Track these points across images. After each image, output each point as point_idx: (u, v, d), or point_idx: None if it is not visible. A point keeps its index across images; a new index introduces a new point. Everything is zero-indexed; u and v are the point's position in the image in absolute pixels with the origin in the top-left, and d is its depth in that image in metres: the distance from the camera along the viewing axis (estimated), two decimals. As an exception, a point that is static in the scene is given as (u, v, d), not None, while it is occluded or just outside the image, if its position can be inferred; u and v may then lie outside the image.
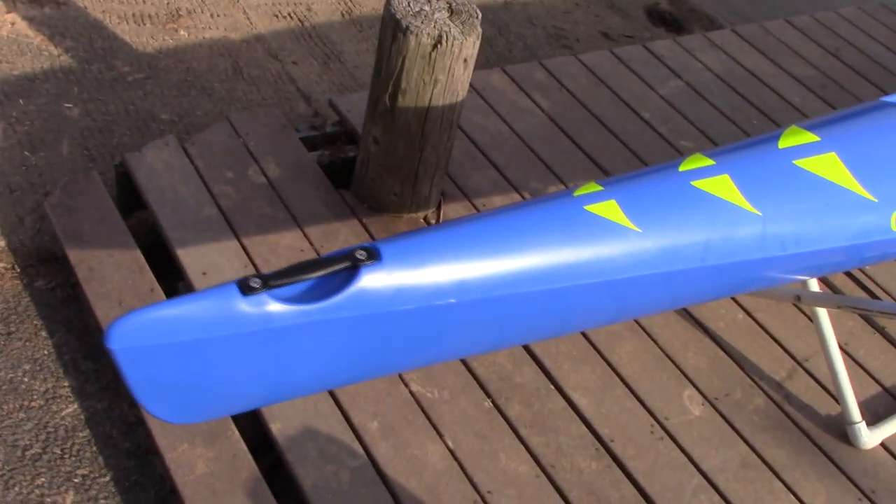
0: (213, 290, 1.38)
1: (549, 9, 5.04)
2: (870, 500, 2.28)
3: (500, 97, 3.28)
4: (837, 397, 2.39)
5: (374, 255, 1.48)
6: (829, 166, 1.95)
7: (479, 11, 2.40)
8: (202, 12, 3.90)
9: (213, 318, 1.39)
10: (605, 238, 1.69)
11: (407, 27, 2.30)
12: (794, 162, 1.92)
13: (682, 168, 1.84)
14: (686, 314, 2.64)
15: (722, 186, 1.82)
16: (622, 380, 2.41)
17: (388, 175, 2.60)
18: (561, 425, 2.26)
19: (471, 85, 3.24)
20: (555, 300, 1.67)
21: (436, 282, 1.54)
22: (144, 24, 3.69)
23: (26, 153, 2.91)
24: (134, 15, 3.73)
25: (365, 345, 1.55)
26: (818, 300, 2.34)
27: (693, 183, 1.81)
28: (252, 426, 2.15)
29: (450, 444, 2.16)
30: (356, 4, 4.40)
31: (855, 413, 2.37)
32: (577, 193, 1.73)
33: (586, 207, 1.69)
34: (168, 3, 3.86)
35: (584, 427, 2.28)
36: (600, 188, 1.75)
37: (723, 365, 2.53)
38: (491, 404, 2.27)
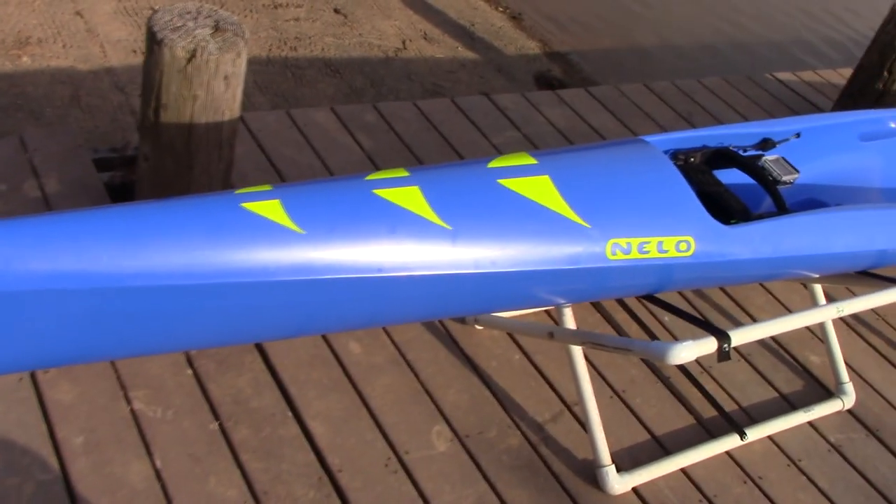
0: None
1: (432, 67, 5.10)
2: (607, 546, 2.19)
3: (321, 134, 3.26)
4: (588, 438, 2.32)
5: (-25, 233, 1.42)
6: (538, 189, 1.93)
7: (245, 31, 2.39)
8: (54, 42, 3.90)
9: None
10: (261, 237, 1.64)
11: (161, 40, 2.28)
12: (498, 181, 1.89)
13: (369, 178, 1.81)
14: (458, 351, 2.58)
15: (409, 197, 1.79)
16: (369, 411, 2.33)
17: (160, 194, 2.55)
18: (287, 452, 2.17)
19: (293, 121, 3.24)
20: (200, 298, 1.60)
21: (51, 266, 1.48)
22: (-15, 48, 3.68)
23: None
24: (-23, 39, 3.73)
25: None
26: (566, 337, 2.29)
27: (375, 191, 1.77)
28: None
29: (158, 464, 2.06)
30: (224, 47, 4.41)
31: (604, 456, 2.30)
32: (239, 192, 1.69)
33: (244, 205, 1.65)
34: (19, 31, 3.86)
35: (312, 455, 2.19)
36: (269, 188, 1.72)
37: (485, 403, 2.46)
38: (217, 427, 2.18)
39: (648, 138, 2.38)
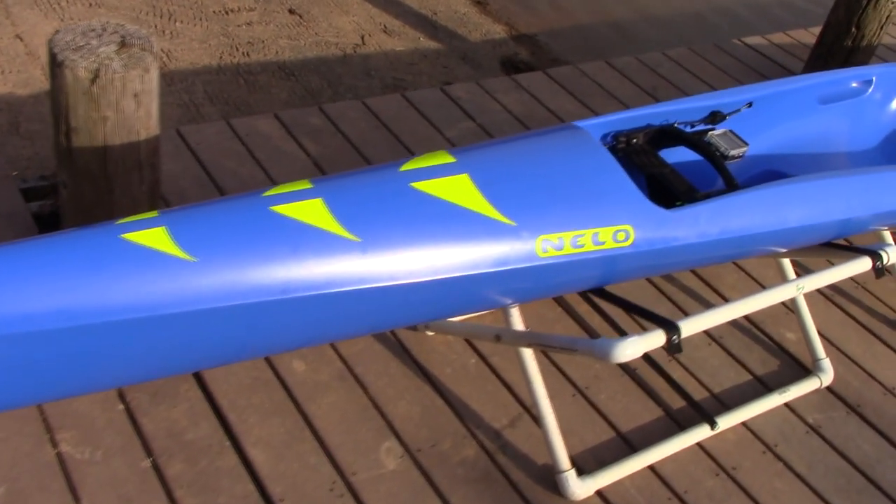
0: None
1: (392, 61, 4.96)
2: (570, 556, 2.08)
3: (264, 143, 3.14)
4: (545, 444, 2.20)
5: None
6: (457, 189, 1.81)
7: (153, 44, 2.27)
8: (-8, 69, 3.79)
9: None
10: (145, 269, 1.52)
11: (62, 62, 2.16)
12: (411, 185, 1.77)
13: (266, 194, 1.69)
14: (410, 361, 2.46)
15: (312, 211, 1.67)
16: (314, 433, 2.22)
17: (83, 221, 2.44)
18: (225, 485, 2.06)
19: (234, 131, 3.13)
20: (84, 340, 1.49)
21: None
22: (-82, 81, 3.57)
23: None
24: (-90, 72, 3.62)
25: None
26: (513, 339, 2.17)
27: (273, 208, 1.66)
28: None
29: (85, 509, 1.96)
30: (172, 59, 4.30)
31: (563, 461, 2.18)
32: (120, 221, 1.57)
33: (124, 236, 1.54)
34: (-46, 61, 3.75)
35: (252, 486, 2.07)
36: (154, 214, 1.60)
37: (438, 413, 2.34)
38: (150, 464, 2.07)
39: (585, 122, 2.25)
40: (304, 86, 4.44)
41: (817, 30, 4.63)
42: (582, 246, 1.90)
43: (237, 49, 4.57)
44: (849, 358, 2.82)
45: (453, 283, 1.79)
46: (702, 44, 4.54)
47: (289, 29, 4.93)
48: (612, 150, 2.30)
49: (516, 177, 1.88)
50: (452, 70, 5.09)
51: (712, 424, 2.41)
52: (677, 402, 2.52)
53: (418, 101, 3.56)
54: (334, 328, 1.75)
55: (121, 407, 2.18)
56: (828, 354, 2.75)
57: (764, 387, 2.64)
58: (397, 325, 1.86)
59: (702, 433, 2.42)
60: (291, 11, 5.12)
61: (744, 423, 2.51)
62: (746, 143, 2.33)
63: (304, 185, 1.72)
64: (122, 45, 2.26)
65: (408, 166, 1.82)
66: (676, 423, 2.47)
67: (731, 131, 2.36)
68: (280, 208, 1.65)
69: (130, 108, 2.25)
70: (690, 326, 1.98)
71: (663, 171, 2.21)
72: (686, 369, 2.65)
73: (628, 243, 1.96)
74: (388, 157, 3.21)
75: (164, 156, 2.97)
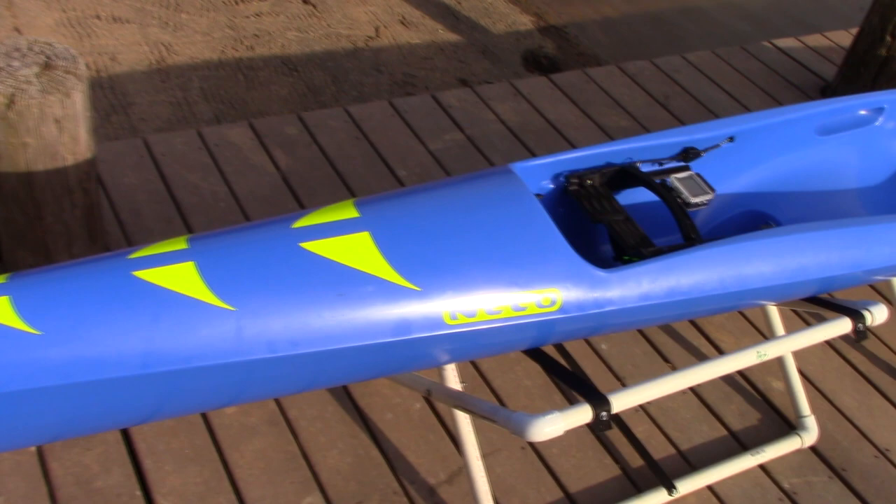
0: None
1: (405, 55, 4.78)
2: None
3: (233, 154, 3.01)
4: (475, 510, 2.05)
5: None
6: (355, 249, 1.65)
7: (80, 66, 2.15)
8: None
9: None
10: (-16, 343, 1.40)
11: (-23, 85, 2.06)
12: (300, 245, 1.62)
13: (132, 256, 1.55)
14: (350, 404, 2.32)
15: (181, 277, 1.53)
16: (233, 483, 2.10)
17: (17, 246, 2.36)
18: (128, 541, 1.96)
19: (203, 141, 3.01)
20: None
21: None
22: None
23: None
24: None
25: None
26: (441, 397, 2.01)
27: (136, 273, 1.52)
28: None
29: (-25, 563, 1.87)
30: (171, 53, 4.20)
31: (492, 529, 2.02)
32: (-36, 289, 1.45)
33: (-39, 307, 1.41)
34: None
35: (156, 543, 1.97)
36: (2, 280, 1.48)
37: (370, 466, 2.20)
38: (52, 514, 1.98)
39: (530, 163, 2.06)
40: (306, 82, 4.29)
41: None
42: (499, 313, 1.73)
43: (241, 42, 4.45)
44: (840, 412, 2.58)
45: (341, 354, 1.63)
46: (727, 46, 4.24)
47: (299, 20, 4.78)
48: (563, 192, 2.11)
49: (426, 235, 1.71)
50: (469, 65, 4.88)
51: (670, 489, 2.22)
52: (637, 460, 2.33)
53: (405, 110, 3.38)
54: (205, 401, 1.61)
55: (33, 449, 2.09)
56: (818, 408, 2.53)
57: (739, 444, 2.43)
58: (285, 394, 1.72)
59: (659, 498, 2.23)
60: (305, 1, 4.97)
61: (709, 487, 2.31)
62: (712, 190, 2.10)
63: (179, 244, 1.58)
64: (46, 66, 2.14)
65: (302, 222, 1.67)
66: (633, 485, 2.28)
67: (697, 175, 2.14)
68: (144, 273, 1.51)
69: (52, 134, 2.14)
70: (623, 401, 1.79)
71: (614, 218, 2.01)
72: (654, 421, 2.45)
73: (555, 308, 1.77)
74: (362, 171, 3.05)
75: (126, 167, 2.88)
